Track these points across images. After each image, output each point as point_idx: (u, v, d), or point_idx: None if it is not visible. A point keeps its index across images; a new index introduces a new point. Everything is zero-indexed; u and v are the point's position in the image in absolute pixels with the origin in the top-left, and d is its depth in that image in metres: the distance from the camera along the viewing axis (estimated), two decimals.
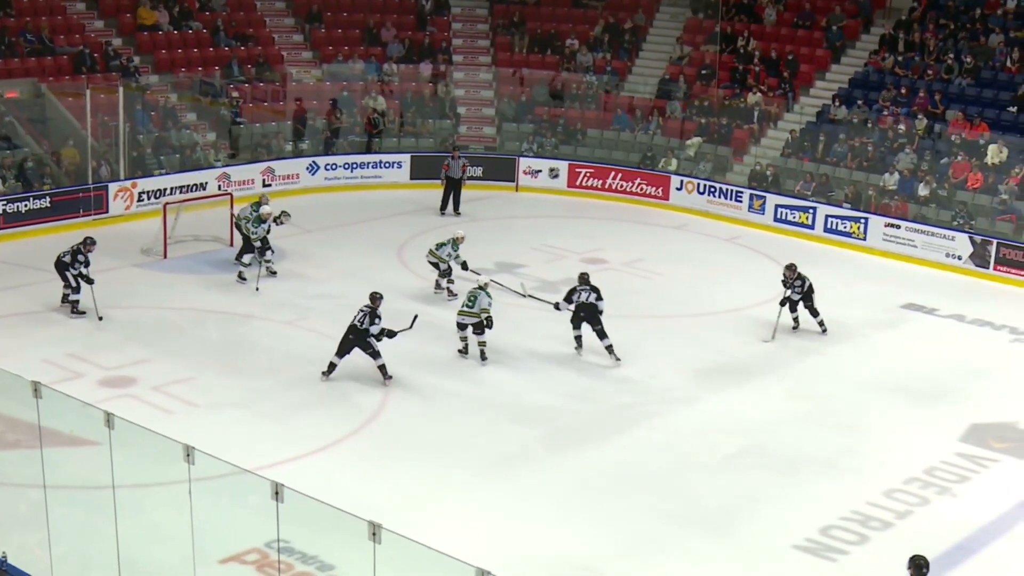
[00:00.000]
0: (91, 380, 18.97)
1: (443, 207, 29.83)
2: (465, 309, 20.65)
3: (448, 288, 23.33)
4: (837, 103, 31.94)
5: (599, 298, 20.72)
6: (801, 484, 16.90)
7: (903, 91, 31.69)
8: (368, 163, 32.33)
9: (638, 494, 16.32)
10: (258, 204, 24.56)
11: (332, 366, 19.32)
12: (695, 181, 31.39)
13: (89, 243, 22.10)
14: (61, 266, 21.95)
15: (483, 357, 20.56)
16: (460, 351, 20.79)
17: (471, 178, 31.34)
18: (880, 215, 28.72)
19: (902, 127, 30.64)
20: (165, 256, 25.35)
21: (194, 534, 11.77)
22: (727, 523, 15.69)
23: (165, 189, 28.69)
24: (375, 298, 19.40)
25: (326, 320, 21.71)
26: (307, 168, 31.62)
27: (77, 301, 21.86)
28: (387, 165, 32.45)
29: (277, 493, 10.44)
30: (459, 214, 29.42)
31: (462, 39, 36.91)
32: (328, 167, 31.87)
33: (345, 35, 35.90)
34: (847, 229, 28.89)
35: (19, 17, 31.06)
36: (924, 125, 30.39)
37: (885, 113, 31.20)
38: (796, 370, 21.08)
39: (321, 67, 34.78)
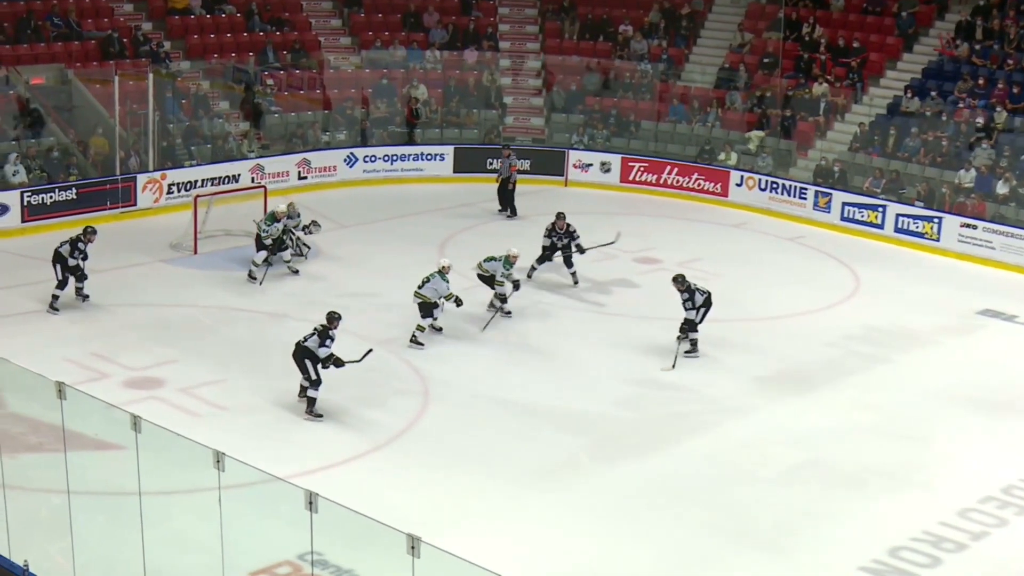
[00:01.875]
0: (116, 381, 19.24)
1: (502, 207, 29.88)
2: (418, 290, 21.30)
3: (501, 308, 22.82)
4: (909, 94, 31.81)
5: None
6: (866, 501, 16.88)
7: (980, 82, 31.50)
8: (409, 155, 32.52)
9: (688, 508, 16.39)
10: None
11: (302, 388, 18.61)
12: (756, 177, 31.35)
13: (89, 232, 22.42)
14: (58, 258, 22.19)
15: (414, 340, 21.19)
16: (436, 329, 21.65)
17: (519, 172, 31.46)
18: (955, 214, 28.56)
19: (979, 120, 30.45)
20: (195, 251, 25.62)
21: (223, 545, 11.94)
22: (784, 541, 15.72)
23: (196, 181, 28.99)
24: (333, 318, 18.58)
25: (362, 321, 21.89)
26: (344, 160, 31.85)
27: (81, 289, 22.36)
28: (429, 157, 32.63)
29: (311, 503, 10.60)
30: (514, 215, 29.47)
31: (509, 24, 37.01)
32: (367, 159, 32.09)
33: (385, 20, 36.11)
34: (919, 229, 28.77)
35: (46, 0, 31.43)
36: (1003, 118, 30.21)
37: (961, 105, 31.02)
38: (861, 379, 21.04)
39: (360, 54, 34.99)
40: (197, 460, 11.74)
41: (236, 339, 21.34)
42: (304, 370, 18.25)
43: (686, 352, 21.19)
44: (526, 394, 19.70)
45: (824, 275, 26.51)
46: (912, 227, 28.88)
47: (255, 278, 24.00)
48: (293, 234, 24.99)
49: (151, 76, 29.16)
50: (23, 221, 26.68)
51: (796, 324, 23.38)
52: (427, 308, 21.13)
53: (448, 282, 21.38)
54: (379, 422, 18.45)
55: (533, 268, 25.06)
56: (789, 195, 30.75)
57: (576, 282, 24.84)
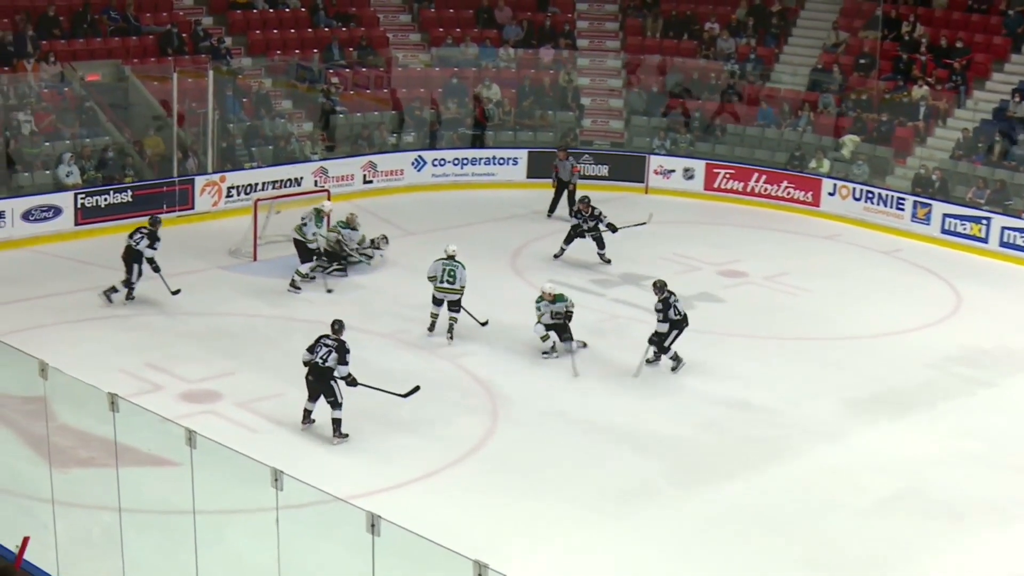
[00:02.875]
0: (171, 393, 19.41)
1: (551, 210, 29.96)
2: (446, 286, 21.84)
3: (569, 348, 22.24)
4: (1017, 98, 31.45)
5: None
6: (966, 535, 16.69)
7: None
8: (480, 159, 32.61)
9: (774, 539, 16.26)
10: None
11: (307, 413, 18.46)
12: (850, 185, 31.14)
13: (156, 222, 23.07)
14: (134, 256, 22.66)
15: (450, 333, 21.92)
16: (429, 329, 22.03)
17: (596, 178, 31.47)
18: None
19: None
20: (255, 258, 25.82)
21: (280, 568, 11.99)
22: (870, 572, 15.54)
23: (256, 184, 29.25)
24: (338, 328, 18.37)
25: (430, 336, 21.96)
26: (412, 163, 31.99)
27: (131, 289, 23.02)
28: (501, 161, 32.70)
29: (373, 525, 10.62)
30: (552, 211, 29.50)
31: (588, 21, 37.05)
32: (436, 163, 32.22)
33: (457, 16, 36.27)
34: None
35: None
36: None
37: None
38: (962, 403, 20.82)
39: (430, 51, 35.15)
40: (254, 478, 11.79)
41: (296, 351, 21.35)
42: (329, 393, 18.04)
43: (648, 360, 21.22)
44: (600, 413, 19.65)
45: (922, 291, 26.26)
46: (1019, 241, 28.55)
47: (299, 288, 24.14)
48: (346, 247, 25.06)
49: (211, 73, 29.44)
50: (76, 224, 27.02)
51: (892, 343, 23.17)
52: (456, 303, 22.05)
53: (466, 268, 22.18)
54: (446, 441, 18.47)
55: (562, 250, 26.63)
56: (885, 205, 30.50)
57: (608, 261, 26.34)
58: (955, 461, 18.69)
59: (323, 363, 17.98)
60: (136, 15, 31.90)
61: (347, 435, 18.15)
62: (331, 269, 24.84)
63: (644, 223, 26.19)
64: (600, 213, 26.40)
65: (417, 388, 18.97)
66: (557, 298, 21.67)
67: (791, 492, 17.54)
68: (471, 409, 19.61)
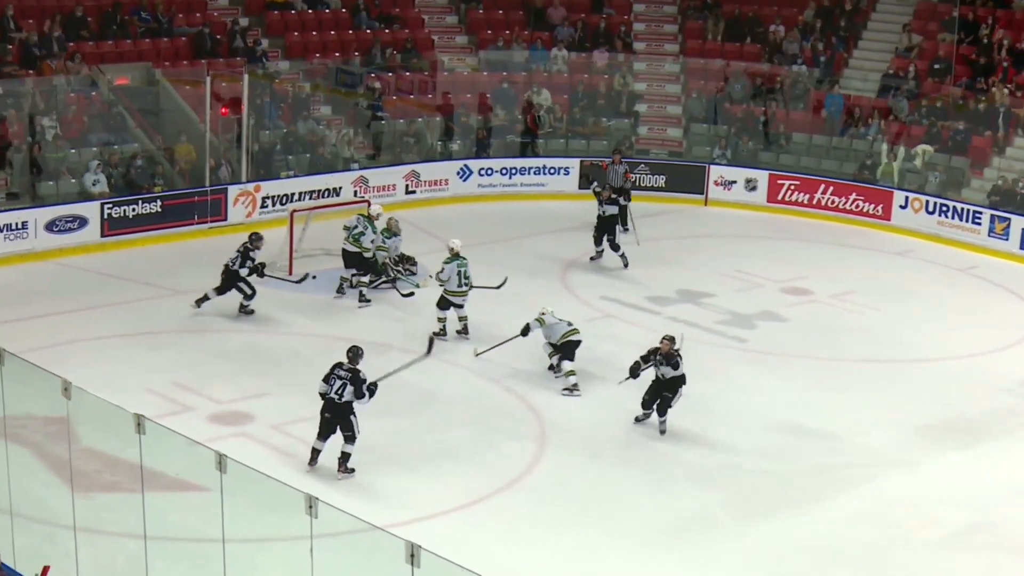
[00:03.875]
0: (201, 415, 19.54)
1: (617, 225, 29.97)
2: (464, 289, 22.83)
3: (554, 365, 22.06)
4: None
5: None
6: None
7: None
8: (530, 168, 32.66)
9: (840, 575, 16.19)
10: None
11: (315, 453, 18.07)
12: (923, 198, 30.99)
13: (256, 239, 23.49)
14: (232, 277, 23.18)
15: (466, 331, 22.86)
16: (437, 333, 22.49)
17: (652, 188, 31.44)
18: None
19: None
20: (291, 272, 25.93)
21: None
22: None
23: (292, 194, 29.38)
24: (356, 355, 17.94)
25: (471, 354, 22.03)
26: (458, 173, 32.08)
27: (251, 309, 23.54)
28: (552, 171, 32.74)
29: (412, 555, 10.67)
30: (625, 230, 28.91)
31: (645, 23, 37.09)
32: (482, 172, 32.29)
33: (506, 16, 36.39)
34: None
35: None
36: None
37: None
38: None
39: (477, 54, 35.27)
40: (288, 505, 11.87)
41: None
42: (347, 427, 17.75)
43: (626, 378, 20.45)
44: (655, 440, 19.64)
45: (999, 311, 26.12)
46: None
47: (369, 300, 24.45)
48: (391, 258, 25.20)
49: (246, 77, 29.61)
50: (103, 236, 27.20)
51: (966, 367, 23.06)
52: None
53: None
54: (490, 468, 18.51)
55: (599, 253, 27.56)
56: (961, 219, 30.35)
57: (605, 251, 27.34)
58: None
59: (339, 399, 17.65)
60: (168, 16, 32.14)
61: (353, 470, 17.83)
62: (378, 283, 24.92)
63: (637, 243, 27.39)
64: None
65: (432, 341, 20.00)
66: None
67: (857, 525, 17.46)
68: (518, 434, 19.63)
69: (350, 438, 17.78)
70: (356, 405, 17.66)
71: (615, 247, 27.03)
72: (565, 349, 21.20)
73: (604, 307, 25.03)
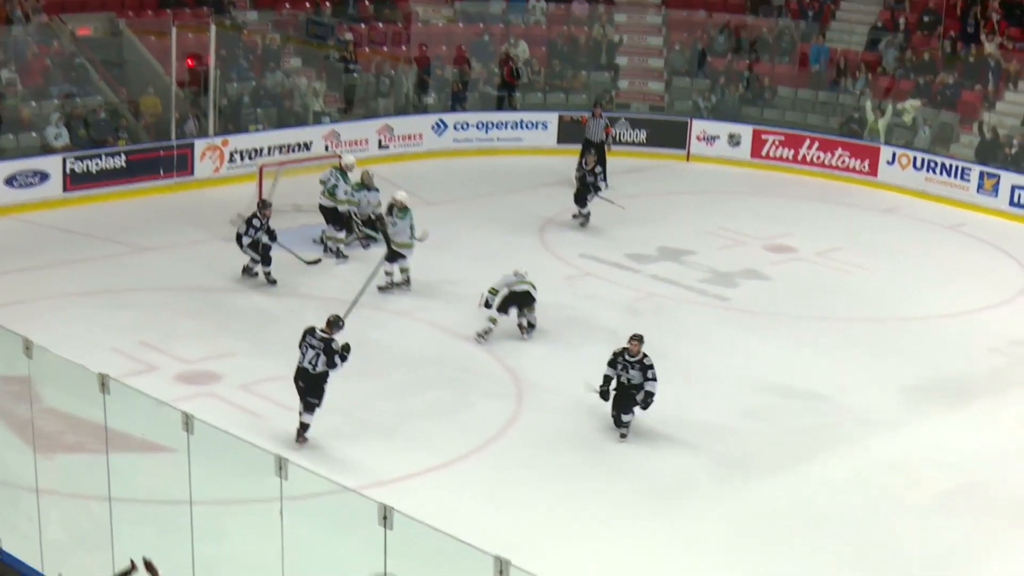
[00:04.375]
0: (168, 374, 19.49)
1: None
2: (411, 242, 22.98)
3: (524, 324, 21.80)
4: None
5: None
6: None
7: None
8: (506, 123, 32.61)
9: (824, 539, 16.24)
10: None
11: (303, 427, 17.74)
12: (911, 154, 31.03)
13: (265, 207, 23.11)
14: (239, 241, 23.05)
15: (408, 283, 23.01)
16: (396, 284, 23.02)
17: (633, 144, 31.38)
18: None
19: None
20: None
21: (284, 563, 12.03)
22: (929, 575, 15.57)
23: (261, 149, 29.31)
24: (333, 325, 17.55)
25: (449, 311, 22.02)
26: (432, 127, 32.01)
27: (268, 273, 23.13)
28: (529, 126, 32.69)
29: (385, 518, 10.64)
30: (606, 186, 28.72)
31: None
32: (458, 127, 32.22)
33: None
34: None
35: None
36: None
37: None
38: None
39: (453, 5, 35.12)
40: (257, 466, 11.82)
41: (300, 330, 21.47)
42: (316, 395, 17.46)
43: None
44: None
45: (988, 269, 26.19)
46: None
47: (346, 256, 24.35)
48: (356, 218, 25.09)
49: (213, 28, 29.40)
50: (65, 191, 27.09)
51: (954, 326, 23.13)
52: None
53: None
54: (466, 429, 18.50)
55: (585, 215, 27.21)
56: (949, 176, 30.40)
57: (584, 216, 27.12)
58: (1022, 454, 18.66)
59: (313, 369, 17.36)
60: None
61: (307, 440, 17.50)
62: (352, 240, 24.84)
63: (622, 207, 26.68)
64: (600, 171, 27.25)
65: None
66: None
67: (842, 487, 17.52)
68: (494, 394, 19.62)
69: (311, 407, 17.46)
70: (331, 374, 17.43)
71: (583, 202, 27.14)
72: (513, 300, 21.13)
73: (583, 265, 25.02)
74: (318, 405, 17.50)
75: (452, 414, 18.93)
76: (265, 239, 22.84)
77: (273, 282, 23.00)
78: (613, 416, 18.37)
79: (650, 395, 18.17)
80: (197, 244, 25.03)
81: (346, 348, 17.48)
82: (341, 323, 17.66)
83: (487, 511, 16.21)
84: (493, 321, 21.11)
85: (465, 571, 11.06)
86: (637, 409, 18.29)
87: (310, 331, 17.54)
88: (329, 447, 17.47)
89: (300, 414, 17.61)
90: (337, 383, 18.01)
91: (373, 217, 25.11)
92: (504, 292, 21.07)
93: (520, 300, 21.13)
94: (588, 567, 14.95)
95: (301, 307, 22.30)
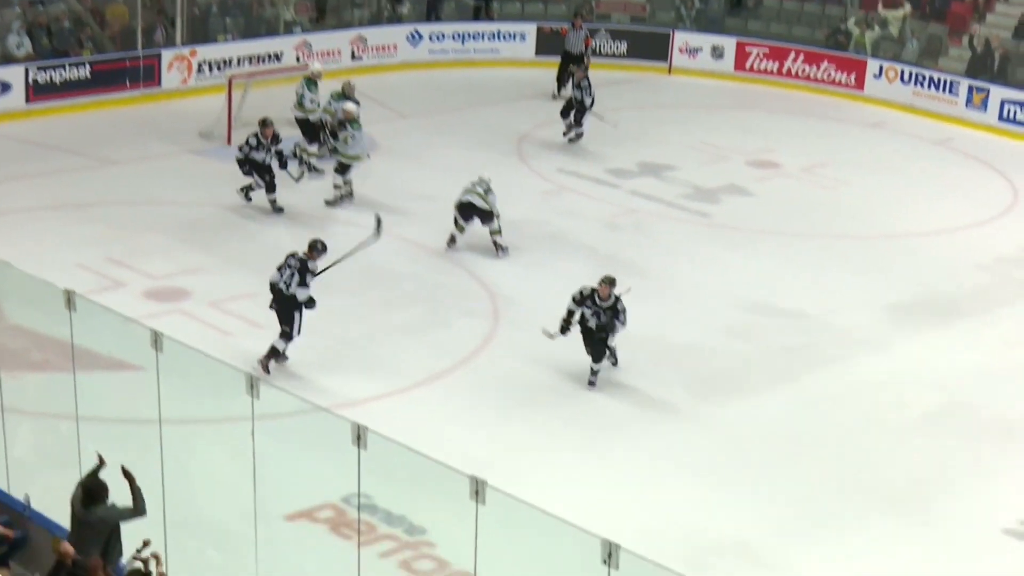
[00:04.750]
0: (135, 291, 19.43)
1: (559, 87, 29.78)
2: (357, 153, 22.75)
3: (497, 243, 21.72)
4: None
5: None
6: (1017, 455, 16.75)
7: None
8: (483, 34, 32.38)
9: (806, 459, 16.32)
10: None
11: (271, 350, 17.40)
12: (898, 67, 30.93)
13: (265, 125, 22.17)
14: (239, 164, 22.39)
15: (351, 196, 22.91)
16: (344, 197, 22.86)
17: (613, 56, 31.20)
18: None
19: None
20: (229, 142, 25.65)
21: (256, 483, 12.04)
22: (919, 499, 15.63)
23: (231, 59, 29.06)
24: (315, 248, 17.41)
25: (425, 227, 21.97)
26: (407, 38, 31.77)
27: (273, 202, 22.46)
28: (507, 37, 32.47)
29: (359, 437, 10.64)
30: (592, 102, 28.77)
31: None
32: (433, 37, 31.99)
33: None
34: None
35: None
36: None
37: None
38: (1017, 310, 20.85)
39: None
40: (227, 385, 11.81)
41: (275, 245, 21.38)
42: (288, 322, 17.20)
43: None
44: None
45: (976, 185, 26.21)
46: None
47: (319, 170, 24.08)
48: (326, 128, 24.84)
49: None
50: (28, 102, 26.86)
51: (940, 243, 23.16)
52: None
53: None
54: (440, 347, 18.48)
55: (576, 132, 26.81)
56: (937, 90, 30.33)
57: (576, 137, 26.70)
58: (1008, 374, 18.73)
59: (287, 289, 17.12)
60: None
61: (269, 373, 17.05)
62: (323, 151, 24.63)
63: (614, 125, 26.59)
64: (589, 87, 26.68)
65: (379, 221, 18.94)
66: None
67: (826, 408, 17.59)
68: (469, 312, 19.61)
69: (286, 335, 17.26)
70: (297, 295, 17.17)
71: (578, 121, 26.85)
72: (468, 211, 21.19)
73: (561, 180, 24.96)
74: (289, 334, 17.28)
75: (427, 332, 18.91)
76: (268, 159, 22.16)
77: (279, 210, 22.51)
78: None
79: (612, 350, 17.81)
80: (165, 157, 24.88)
81: (310, 301, 17.21)
82: (319, 246, 17.47)
83: (463, 432, 16.23)
84: (459, 228, 21.20)
85: (440, 491, 11.10)
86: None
87: (292, 254, 17.42)
88: (302, 366, 17.44)
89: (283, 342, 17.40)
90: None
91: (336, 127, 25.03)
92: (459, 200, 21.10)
93: (471, 211, 21.06)
94: (565, 488, 14.93)
95: (272, 222, 22.24)
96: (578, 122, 26.67)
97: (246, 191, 22.62)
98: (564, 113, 26.83)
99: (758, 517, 15.04)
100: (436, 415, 16.70)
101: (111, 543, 11.28)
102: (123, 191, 23.05)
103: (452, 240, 21.31)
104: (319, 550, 13.87)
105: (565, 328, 17.74)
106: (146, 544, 11.24)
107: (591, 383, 17.66)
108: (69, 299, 12.67)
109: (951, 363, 18.96)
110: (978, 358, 19.16)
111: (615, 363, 18.10)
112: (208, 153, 25.25)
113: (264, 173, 22.28)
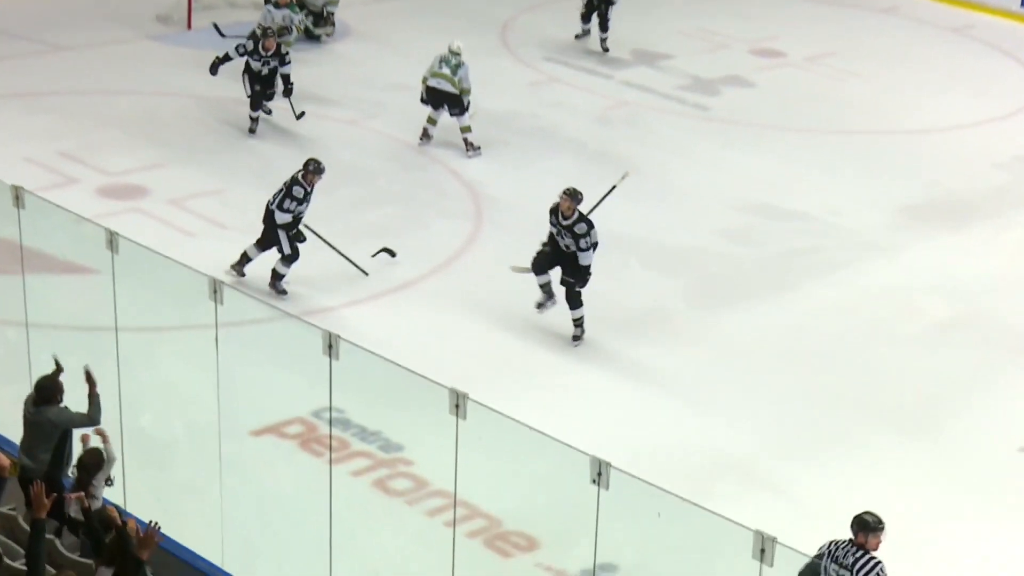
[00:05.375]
0: (89, 187, 19.40)
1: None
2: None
3: (467, 141, 21.53)
4: None
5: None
6: None
7: None
8: None
9: (808, 372, 16.36)
10: None
11: (243, 257, 17.23)
12: None
13: (266, 36, 21.35)
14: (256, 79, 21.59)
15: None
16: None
17: None
18: None
19: None
20: (189, 26, 25.57)
21: (220, 396, 12.07)
22: (930, 416, 15.69)
23: None
24: (311, 169, 16.95)
25: (401, 120, 21.89)
26: None
27: (255, 120, 21.64)
28: None
29: (331, 346, 10.65)
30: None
31: None
32: None
33: None
34: None
35: None
36: None
37: None
38: None
39: None
40: (189, 290, 11.80)
41: (241, 140, 21.37)
42: (272, 241, 16.96)
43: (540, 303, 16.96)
44: (606, 220, 19.53)
45: (996, 77, 26.16)
46: None
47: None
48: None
49: None
50: None
51: (956, 140, 23.16)
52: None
53: None
54: (417, 251, 18.44)
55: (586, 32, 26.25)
56: None
57: (607, 49, 25.77)
58: None
59: (271, 203, 16.89)
60: None
61: (285, 292, 17.02)
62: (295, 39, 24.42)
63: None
64: None
65: (385, 251, 17.98)
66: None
67: (830, 316, 17.62)
68: (450, 212, 19.60)
69: (282, 256, 16.98)
70: (277, 219, 16.80)
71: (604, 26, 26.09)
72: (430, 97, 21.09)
73: (549, 70, 24.86)
74: (284, 255, 16.94)
75: (403, 234, 18.84)
76: (264, 71, 21.32)
77: (252, 131, 21.50)
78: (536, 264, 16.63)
79: (581, 274, 16.20)
80: (120, 43, 24.72)
81: (287, 226, 16.86)
82: (312, 165, 16.93)
83: (443, 342, 16.26)
84: (430, 121, 21.09)
85: (418, 406, 11.14)
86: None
87: (298, 174, 16.92)
88: (269, 269, 17.40)
89: (247, 247, 17.24)
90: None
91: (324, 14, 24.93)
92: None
93: (440, 98, 20.96)
94: (551, 403, 14.97)
95: (236, 112, 22.10)
96: (604, 27, 25.95)
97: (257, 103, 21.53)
98: (586, 17, 26.32)
99: (758, 436, 15.08)
100: (414, 324, 16.70)
101: (61, 448, 11.32)
102: (75, 79, 22.92)
103: (425, 135, 21.19)
104: (287, 468, 13.95)
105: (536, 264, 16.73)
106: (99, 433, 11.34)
107: (575, 340, 16.55)
108: (17, 196, 12.62)
109: (966, 269, 18.99)
110: (994, 264, 19.20)
111: (577, 335, 16.58)
112: (167, 39, 25.12)
113: (256, 83, 21.32)
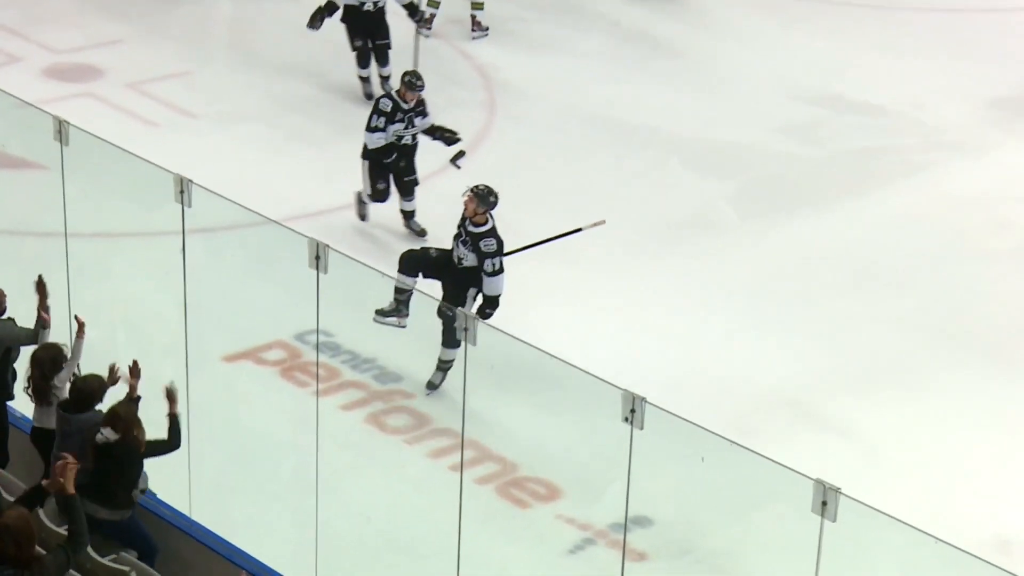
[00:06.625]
0: (34, 67, 19.47)
1: None
2: None
3: (474, 19, 21.69)
4: None
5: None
6: None
7: None
8: None
9: (880, 293, 16.40)
10: None
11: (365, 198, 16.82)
12: None
13: None
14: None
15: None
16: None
17: None
18: None
19: None
20: None
21: (187, 315, 12.09)
22: (1017, 346, 15.74)
23: None
24: (405, 81, 16.28)
25: None
26: None
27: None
28: None
29: (318, 257, 10.63)
30: None
31: None
32: None
33: None
34: None
35: None
36: None
37: None
38: None
39: None
40: (152, 189, 11.81)
41: (210, 14, 21.35)
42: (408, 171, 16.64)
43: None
44: (643, 112, 19.61)
45: None
46: None
47: None
48: None
49: None
50: None
51: None
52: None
53: None
54: (421, 144, 18.35)
55: None
56: None
57: None
58: None
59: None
60: None
61: (424, 231, 16.64)
62: None
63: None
64: None
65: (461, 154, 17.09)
66: None
67: (904, 227, 17.65)
68: (460, 101, 19.58)
69: (372, 192, 16.48)
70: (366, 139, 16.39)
71: None
72: None
73: None
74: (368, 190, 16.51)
75: None
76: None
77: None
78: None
79: (491, 303, 13.95)
80: None
81: (365, 150, 16.43)
82: (407, 77, 16.33)
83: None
84: (432, 3, 20.84)
85: (420, 323, 11.15)
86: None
87: None
88: (248, 164, 17.40)
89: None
90: (251, 79, 17.91)
91: None
92: None
93: None
94: (572, 327, 14.96)
95: None
96: None
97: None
98: None
99: (815, 367, 15.14)
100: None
101: (3, 368, 11.30)
102: None
103: (421, 19, 20.40)
104: (265, 400, 13.98)
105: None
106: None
107: (431, 385, 14.09)
108: None
109: None
110: None
111: (434, 383, 13.99)
112: None
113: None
